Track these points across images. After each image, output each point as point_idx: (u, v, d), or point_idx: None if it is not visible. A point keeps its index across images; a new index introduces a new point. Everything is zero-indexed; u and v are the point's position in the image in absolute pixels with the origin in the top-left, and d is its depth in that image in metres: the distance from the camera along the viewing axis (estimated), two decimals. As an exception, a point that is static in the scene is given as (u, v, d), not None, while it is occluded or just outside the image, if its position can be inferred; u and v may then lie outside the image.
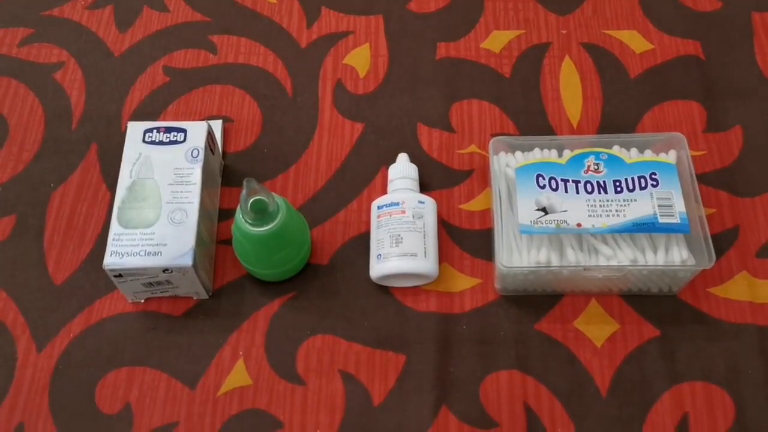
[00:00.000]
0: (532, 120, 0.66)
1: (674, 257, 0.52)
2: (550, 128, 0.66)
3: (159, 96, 0.69)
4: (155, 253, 0.52)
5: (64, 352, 0.56)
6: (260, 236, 0.52)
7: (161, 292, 0.56)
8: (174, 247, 0.52)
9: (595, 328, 0.56)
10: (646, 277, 0.54)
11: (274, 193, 0.52)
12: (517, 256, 0.54)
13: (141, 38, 0.73)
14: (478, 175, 0.63)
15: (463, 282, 0.58)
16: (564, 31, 0.72)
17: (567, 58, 0.70)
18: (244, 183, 0.48)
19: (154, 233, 0.52)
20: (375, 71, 0.70)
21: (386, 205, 0.58)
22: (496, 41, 0.72)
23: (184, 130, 0.57)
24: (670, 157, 0.57)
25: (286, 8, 0.75)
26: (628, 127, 0.66)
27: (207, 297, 0.57)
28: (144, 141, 0.56)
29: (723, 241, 0.59)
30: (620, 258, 0.53)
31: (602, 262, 0.53)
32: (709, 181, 0.62)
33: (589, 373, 0.54)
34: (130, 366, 0.55)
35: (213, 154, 0.59)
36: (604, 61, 0.70)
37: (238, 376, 0.55)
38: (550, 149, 0.58)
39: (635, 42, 0.71)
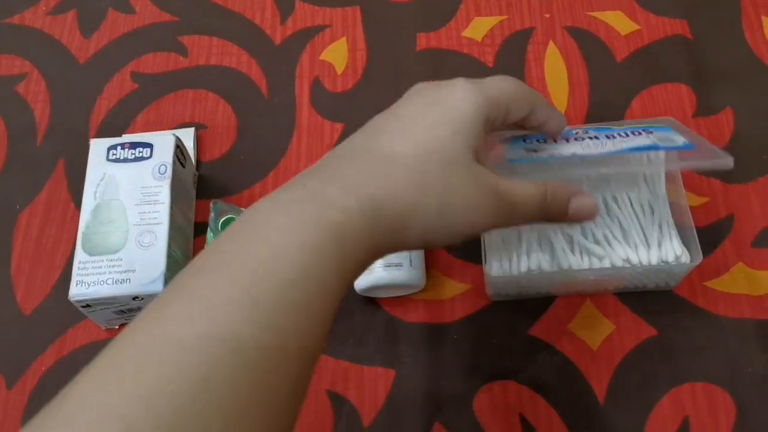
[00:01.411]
0: (518, 112, 0.63)
1: (668, 253, 0.50)
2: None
3: (128, 104, 0.66)
4: (123, 281, 0.49)
5: (36, 387, 0.54)
6: (235, 256, 0.49)
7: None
8: (143, 273, 0.50)
9: (590, 331, 0.54)
10: (641, 274, 0.51)
11: (245, 209, 0.50)
12: (506, 262, 0.51)
13: (107, 43, 0.70)
14: (463, 173, 0.61)
15: (452, 288, 0.56)
16: (547, 15, 0.70)
17: (551, 44, 0.68)
18: (211, 206, 0.46)
19: (121, 259, 0.50)
20: (353, 66, 0.67)
21: (368, 212, 0.56)
22: (478, 29, 0.69)
23: (150, 145, 0.54)
24: (662, 147, 0.55)
25: (258, 3, 0.72)
26: (616, 113, 0.63)
27: (185, 318, 0.55)
28: (108, 159, 0.54)
29: (718, 232, 0.57)
30: (612, 258, 0.50)
31: (595, 263, 0.51)
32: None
33: (585, 379, 0.52)
34: (107, 396, 0.53)
35: (184, 167, 0.57)
36: (589, 45, 0.67)
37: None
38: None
39: (620, 23, 0.69)
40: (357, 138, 0.38)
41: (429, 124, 0.37)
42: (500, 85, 0.40)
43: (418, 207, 0.35)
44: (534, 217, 0.40)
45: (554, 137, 0.47)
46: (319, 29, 0.70)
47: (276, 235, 0.31)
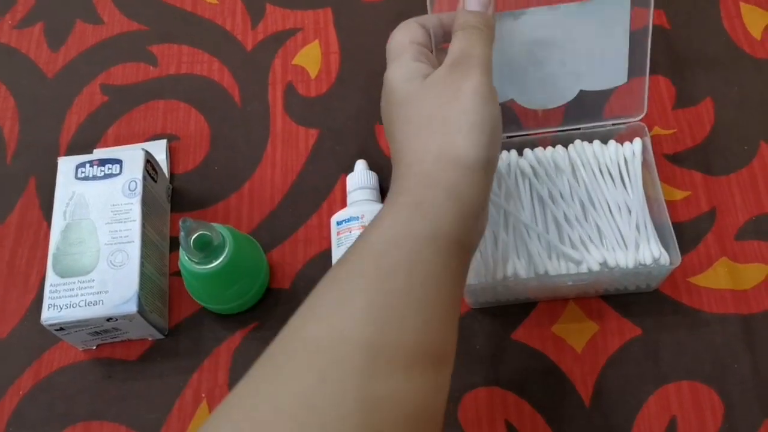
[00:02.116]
0: (494, 111, 0.62)
1: (645, 255, 0.49)
2: (516, 117, 0.62)
3: (98, 118, 0.65)
4: (96, 303, 0.48)
5: (14, 413, 0.53)
6: (209, 274, 0.48)
7: (111, 338, 0.53)
8: (116, 293, 0.49)
9: (574, 332, 0.53)
10: (620, 277, 0.51)
11: (216, 224, 0.49)
12: (483, 269, 0.51)
13: (75, 55, 0.68)
14: (441, 176, 0.60)
15: (432, 294, 0.55)
16: (522, 9, 0.68)
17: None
18: (180, 224, 0.45)
19: (93, 280, 0.49)
20: (327, 70, 0.66)
21: (345, 221, 0.55)
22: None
23: (119, 161, 0.53)
24: (635, 145, 0.54)
25: (228, 8, 0.70)
26: (595, 109, 0.62)
27: (163, 337, 0.54)
28: (77, 177, 0.53)
29: (700, 226, 0.57)
30: (589, 261, 0.50)
31: (572, 268, 0.50)
32: (682, 161, 0.59)
33: (570, 381, 0.52)
34: (86, 421, 0.52)
35: (156, 181, 0.56)
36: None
37: (201, 422, 0.52)
38: (509, 150, 0.55)
39: None
40: (433, 146, 0.40)
41: (473, 118, 0.39)
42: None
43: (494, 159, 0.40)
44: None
45: None
46: (290, 33, 0.68)
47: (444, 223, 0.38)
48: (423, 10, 0.68)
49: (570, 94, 0.53)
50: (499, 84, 0.44)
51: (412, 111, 0.41)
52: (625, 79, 0.52)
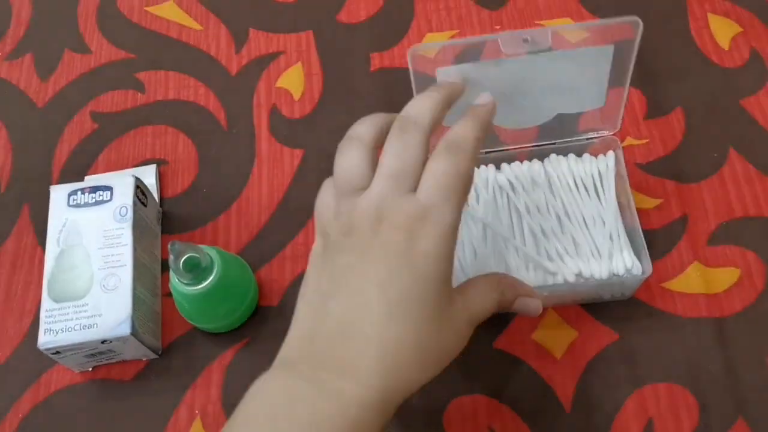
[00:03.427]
0: (472, 127, 0.64)
1: (618, 265, 0.51)
2: (493, 132, 0.64)
3: (89, 145, 0.67)
4: (90, 326, 0.50)
5: (14, 435, 0.55)
6: (198, 294, 0.50)
7: (107, 359, 0.54)
8: (110, 316, 0.50)
9: (554, 339, 0.55)
10: (596, 287, 0.53)
11: (203, 246, 0.51)
12: (463, 280, 0.52)
13: (65, 85, 0.70)
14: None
15: (416, 306, 0.57)
16: (498, 27, 0.71)
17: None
18: (169, 248, 0.47)
19: (87, 304, 0.51)
20: (310, 92, 0.68)
21: (329, 238, 0.57)
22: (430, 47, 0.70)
23: (110, 188, 0.55)
24: (609, 159, 0.56)
25: (212, 34, 0.73)
26: (570, 125, 0.64)
27: (156, 356, 0.56)
28: (69, 205, 0.55)
29: (673, 233, 0.59)
30: (565, 272, 0.52)
31: (549, 279, 0.52)
32: (654, 170, 0.61)
33: (551, 387, 0.54)
34: (83, 440, 0.54)
35: (146, 206, 0.57)
36: (540, 55, 0.68)
37: (195, 437, 0.54)
38: (487, 165, 0.57)
39: (569, 30, 0.69)
40: (342, 304, 0.40)
41: (416, 296, 0.39)
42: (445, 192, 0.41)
43: (424, 376, 0.39)
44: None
45: None
46: (273, 56, 0.70)
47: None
48: (400, 29, 0.70)
49: (547, 117, 0.55)
50: None
51: None
52: (603, 103, 0.53)
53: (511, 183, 0.56)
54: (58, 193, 0.55)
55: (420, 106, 0.43)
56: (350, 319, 0.39)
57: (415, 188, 0.40)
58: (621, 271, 0.51)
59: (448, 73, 0.49)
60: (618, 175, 0.56)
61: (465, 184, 0.41)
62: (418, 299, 0.38)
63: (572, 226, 0.54)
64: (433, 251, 0.39)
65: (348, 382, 0.37)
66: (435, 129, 0.42)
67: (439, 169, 0.40)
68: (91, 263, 0.52)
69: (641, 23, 0.49)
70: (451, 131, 0.43)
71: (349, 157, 0.43)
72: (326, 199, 0.43)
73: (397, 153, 0.41)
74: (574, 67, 0.51)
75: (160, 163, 0.65)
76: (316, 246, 0.44)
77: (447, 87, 0.45)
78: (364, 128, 0.44)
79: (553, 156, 0.57)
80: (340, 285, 0.40)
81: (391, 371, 0.38)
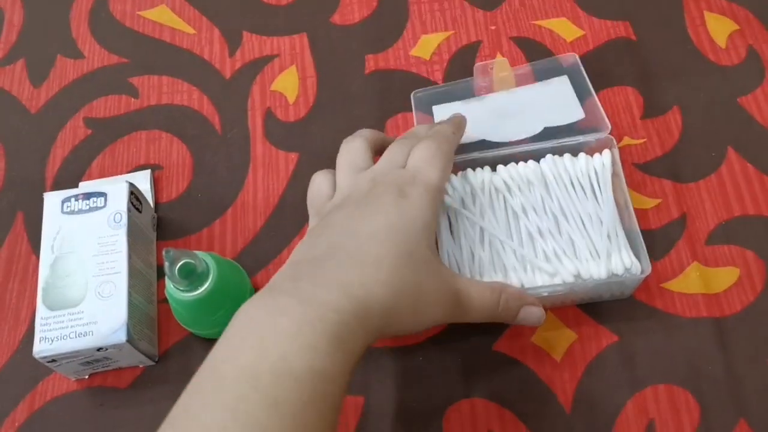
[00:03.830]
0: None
1: (617, 265, 0.51)
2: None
3: (82, 151, 0.66)
4: (86, 334, 0.50)
5: (10, 445, 0.54)
6: (194, 300, 0.50)
7: (103, 367, 0.54)
8: (105, 324, 0.50)
9: (553, 341, 0.55)
10: (595, 287, 0.52)
11: (199, 251, 0.50)
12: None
13: (57, 91, 0.70)
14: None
15: (414, 310, 0.57)
16: (493, 27, 0.70)
17: (499, 56, 0.68)
18: (164, 254, 0.46)
19: (82, 312, 0.50)
20: (305, 95, 0.68)
21: (326, 242, 0.56)
22: (426, 47, 0.70)
23: (104, 194, 0.55)
24: (605, 157, 0.56)
25: (206, 38, 0.72)
26: (567, 123, 0.64)
27: (153, 363, 0.56)
28: (63, 212, 0.54)
29: (672, 233, 0.58)
30: (563, 273, 0.51)
31: (546, 280, 0.51)
32: (652, 170, 0.61)
33: (551, 390, 0.53)
34: (80, 450, 0.54)
35: (140, 212, 0.57)
36: (535, 54, 0.68)
37: (192, 445, 0.53)
38: (483, 167, 0.57)
39: (565, 30, 0.69)
40: (333, 237, 0.43)
41: (400, 229, 0.43)
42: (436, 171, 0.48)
43: (398, 308, 0.41)
44: (486, 318, 0.48)
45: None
46: (267, 59, 0.70)
47: (286, 341, 0.37)
48: (395, 31, 0.70)
49: (535, 131, 0.59)
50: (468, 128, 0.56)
51: None
52: (582, 116, 0.59)
53: (507, 184, 0.56)
54: (52, 200, 0.55)
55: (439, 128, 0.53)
56: (336, 243, 0.42)
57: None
58: (620, 270, 0.51)
59: (442, 109, 0.62)
60: (614, 174, 0.55)
61: (446, 158, 0.49)
62: (403, 232, 0.43)
63: (569, 227, 0.53)
64: (418, 201, 0.44)
65: (328, 292, 0.39)
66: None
67: (423, 147, 0.48)
68: (86, 270, 0.52)
69: (577, 57, 0.63)
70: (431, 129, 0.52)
71: (355, 144, 0.50)
72: (322, 185, 0.50)
73: (399, 148, 0.50)
74: (544, 94, 0.62)
75: (155, 169, 0.65)
76: (310, 222, 0.49)
77: (459, 117, 0.56)
78: (367, 131, 0.52)
79: (548, 156, 0.57)
80: (333, 225, 0.44)
81: (369, 285, 0.40)
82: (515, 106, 0.61)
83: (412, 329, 0.44)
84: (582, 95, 0.61)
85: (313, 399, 0.36)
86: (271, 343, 0.37)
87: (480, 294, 0.46)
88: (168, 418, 0.38)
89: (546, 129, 0.59)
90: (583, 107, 0.60)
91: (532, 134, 0.59)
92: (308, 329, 0.37)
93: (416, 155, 0.48)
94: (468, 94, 0.63)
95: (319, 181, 0.50)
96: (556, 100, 0.61)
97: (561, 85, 0.62)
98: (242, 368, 0.37)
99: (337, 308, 0.38)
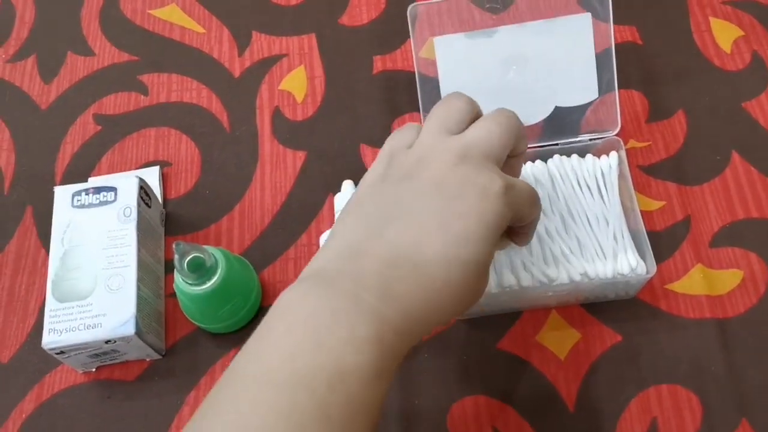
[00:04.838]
0: (475, 130, 0.65)
1: (623, 265, 0.51)
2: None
3: (92, 147, 0.67)
4: (95, 326, 0.50)
5: (18, 436, 0.54)
6: (202, 294, 0.50)
7: (110, 360, 0.54)
8: (114, 316, 0.50)
9: (558, 340, 0.55)
10: (600, 287, 0.53)
11: (208, 246, 0.51)
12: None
13: (68, 87, 0.70)
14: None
15: (420, 307, 0.57)
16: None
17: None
18: (174, 247, 0.47)
19: (91, 304, 0.51)
20: (312, 94, 0.69)
21: (333, 239, 0.57)
22: (433, 48, 0.70)
23: (114, 189, 0.55)
24: (612, 159, 0.56)
25: (215, 37, 0.73)
26: (572, 125, 0.65)
27: (160, 357, 0.56)
28: (73, 205, 0.55)
29: (676, 235, 0.59)
30: (570, 272, 0.52)
31: (554, 278, 0.52)
32: (657, 172, 0.61)
33: (555, 388, 0.54)
34: (86, 441, 0.54)
35: (149, 207, 0.57)
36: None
37: (198, 438, 0.53)
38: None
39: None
40: (400, 228, 0.40)
41: (463, 232, 0.39)
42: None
43: (453, 316, 0.42)
44: None
45: None
46: (276, 59, 0.71)
47: (348, 355, 0.36)
48: (403, 32, 0.71)
49: (546, 111, 0.56)
50: (479, 103, 0.47)
51: None
52: (597, 95, 0.55)
53: (514, 184, 0.56)
54: (63, 194, 0.55)
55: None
56: (404, 246, 0.39)
57: None
58: (626, 270, 0.51)
59: (445, 42, 0.57)
60: (621, 176, 0.56)
61: (506, 135, 0.43)
62: (476, 240, 0.39)
63: (576, 227, 0.54)
64: (497, 207, 0.40)
65: (389, 308, 0.37)
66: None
67: (481, 122, 0.43)
68: (95, 263, 0.52)
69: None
70: None
71: (458, 104, 0.45)
72: (406, 134, 0.45)
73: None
74: (559, 39, 0.55)
75: (164, 165, 0.65)
76: (375, 171, 0.44)
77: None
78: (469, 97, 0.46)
79: (556, 156, 0.57)
80: (401, 213, 0.40)
81: (433, 308, 0.39)
82: (525, 52, 0.55)
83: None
84: (600, 67, 0.56)
85: (365, 413, 0.36)
86: (327, 348, 0.36)
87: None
88: (204, 407, 0.38)
89: (557, 109, 0.57)
90: (601, 98, 0.56)
91: (542, 117, 0.56)
92: (366, 347, 0.36)
93: (476, 126, 0.43)
94: (473, 14, 0.57)
95: (406, 130, 0.45)
96: (570, 55, 0.55)
97: (580, 31, 0.54)
98: (296, 372, 0.36)
99: (396, 330, 0.37)
